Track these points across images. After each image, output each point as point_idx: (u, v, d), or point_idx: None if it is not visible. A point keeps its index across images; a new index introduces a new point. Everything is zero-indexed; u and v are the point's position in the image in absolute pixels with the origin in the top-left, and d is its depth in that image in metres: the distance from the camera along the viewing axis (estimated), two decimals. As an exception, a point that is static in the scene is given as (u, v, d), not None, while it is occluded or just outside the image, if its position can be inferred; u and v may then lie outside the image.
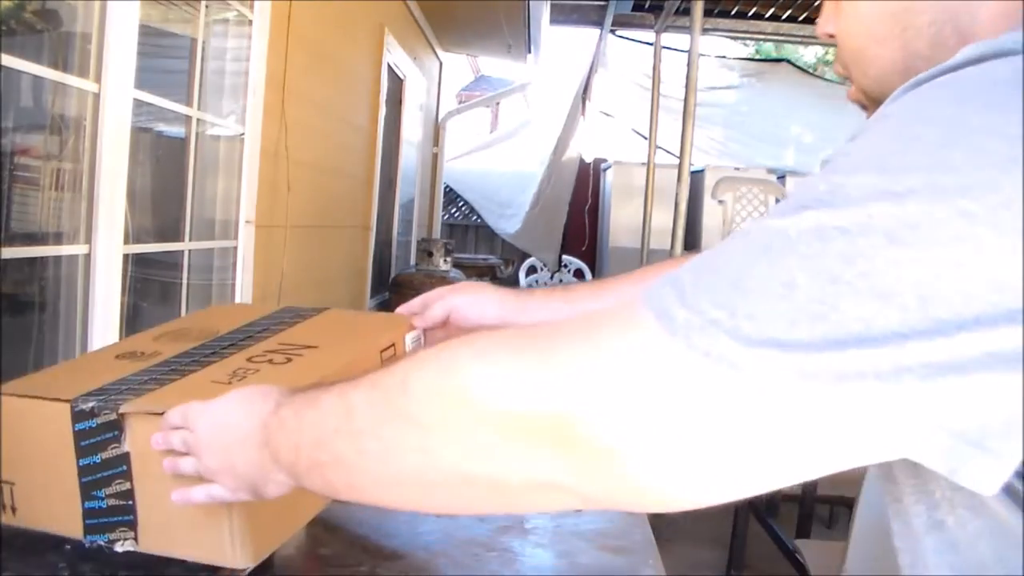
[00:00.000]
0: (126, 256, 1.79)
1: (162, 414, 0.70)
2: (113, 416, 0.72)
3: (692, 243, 6.20)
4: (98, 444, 0.73)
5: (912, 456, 0.38)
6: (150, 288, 2.08)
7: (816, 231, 0.39)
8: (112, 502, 0.73)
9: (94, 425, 0.73)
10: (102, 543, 0.74)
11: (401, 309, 1.03)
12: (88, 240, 1.66)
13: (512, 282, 7.21)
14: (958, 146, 0.37)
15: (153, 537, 0.72)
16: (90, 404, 0.73)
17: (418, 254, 4.78)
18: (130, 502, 0.72)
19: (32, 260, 1.59)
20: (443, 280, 4.38)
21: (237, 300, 2.41)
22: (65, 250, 1.64)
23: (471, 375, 0.48)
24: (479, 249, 7.83)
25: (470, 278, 4.98)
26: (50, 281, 1.63)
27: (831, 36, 0.60)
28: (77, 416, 0.74)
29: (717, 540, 3.57)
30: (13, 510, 0.79)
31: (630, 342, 0.43)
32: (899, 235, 0.37)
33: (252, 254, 2.48)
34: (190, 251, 2.20)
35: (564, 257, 6.97)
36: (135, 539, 0.72)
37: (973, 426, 0.37)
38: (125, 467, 0.72)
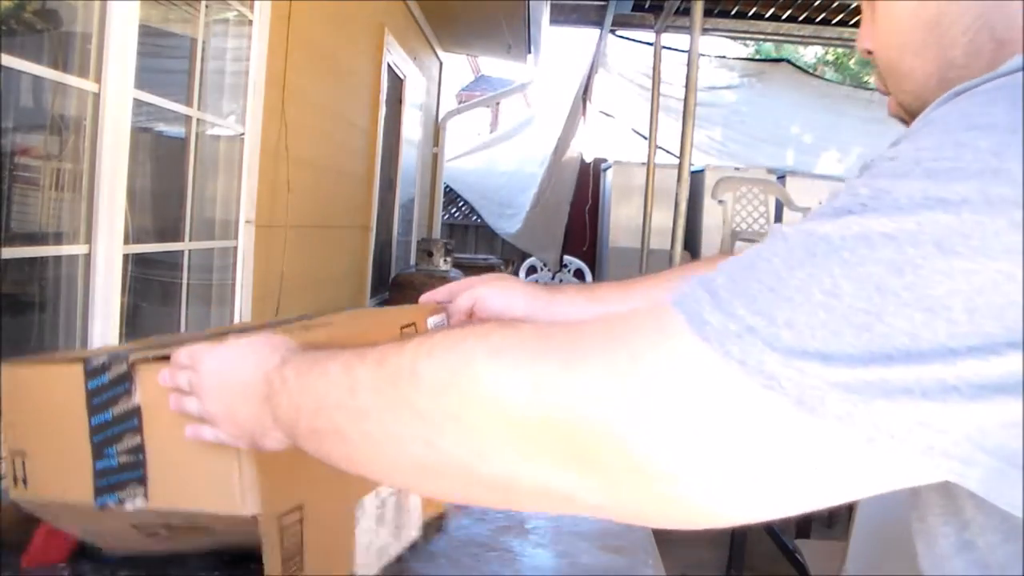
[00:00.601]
0: (126, 256, 1.79)
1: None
2: (124, 368, 0.72)
3: (692, 243, 6.20)
4: (109, 400, 0.73)
5: (952, 478, 0.37)
6: (150, 288, 2.08)
7: (861, 237, 0.37)
8: (123, 459, 0.72)
9: (105, 381, 0.73)
10: (112, 504, 0.73)
11: (426, 297, 1.01)
12: (88, 240, 1.66)
13: (512, 282, 7.21)
14: (1013, 154, 0.36)
15: (162, 491, 0.72)
16: (102, 360, 0.73)
17: (418, 254, 4.78)
18: (140, 456, 0.72)
19: (32, 260, 1.59)
20: (443, 280, 4.38)
21: (237, 300, 2.41)
22: (65, 250, 1.64)
23: (487, 376, 0.46)
24: (479, 249, 7.83)
25: (470, 278, 4.98)
26: (50, 281, 1.63)
27: (869, 53, 0.58)
28: (90, 373, 0.74)
29: (717, 540, 3.57)
30: (25, 482, 0.78)
31: (659, 348, 0.41)
32: (950, 245, 0.35)
33: (252, 254, 2.48)
34: (190, 251, 2.20)
35: (565, 257, 6.97)
36: (145, 495, 0.72)
37: (1017, 447, 0.35)
38: (136, 421, 0.72)
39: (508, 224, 6.96)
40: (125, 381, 0.72)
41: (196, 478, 0.70)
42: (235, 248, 2.41)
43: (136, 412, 0.72)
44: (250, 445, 0.66)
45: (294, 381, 0.60)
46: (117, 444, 0.73)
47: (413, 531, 0.94)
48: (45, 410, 0.77)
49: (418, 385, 0.49)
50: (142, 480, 0.72)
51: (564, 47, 8.15)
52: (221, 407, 0.65)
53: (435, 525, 1.00)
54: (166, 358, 0.70)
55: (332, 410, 0.55)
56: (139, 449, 0.72)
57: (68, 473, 0.75)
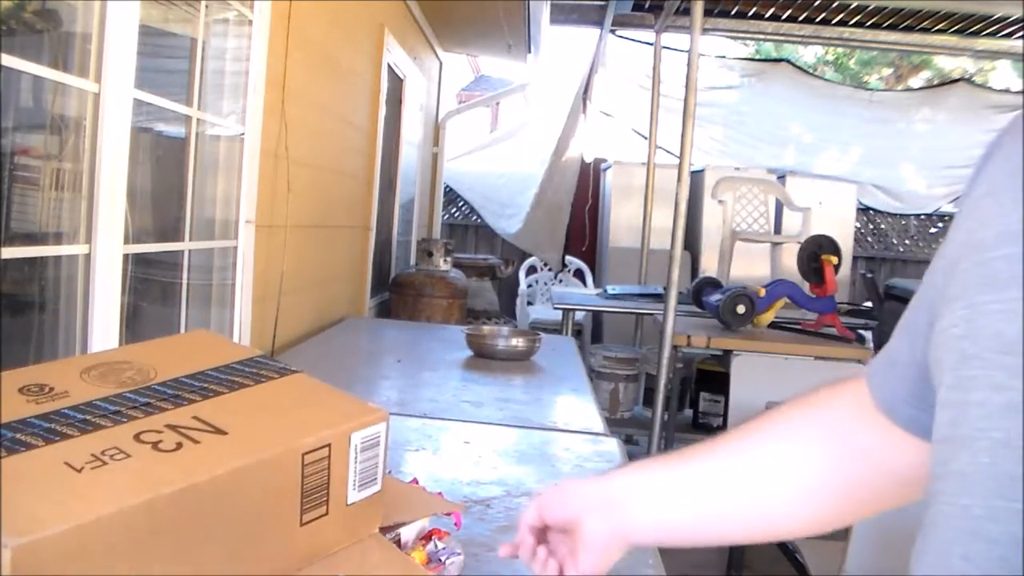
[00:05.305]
0: (126, 256, 1.79)
1: None
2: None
3: (692, 243, 6.20)
4: None
5: None
6: (150, 288, 2.08)
7: None
8: None
9: None
10: None
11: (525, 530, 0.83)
12: (88, 240, 1.66)
13: (512, 282, 7.21)
14: None
15: None
16: None
17: (418, 254, 4.78)
18: None
19: (32, 260, 1.59)
20: (443, 280, 4.37)
21: (237, 300, 2.41)
22: (65, 250, 1.64)
23: None
24: (479, 249, 7.83)
25: (470, 278, 4.98)
26: (50, 281, 1.63)
27: None
28: None
29: (717, 540, 3.55)
30: None
31: None
32: None
33: (252, 254, 2.48)
34: (190, 251, 2.20)
35: (566, 258, 6.97)
36: None
37: None
38: None
39: (508, 224, 6.96)
40: None
41: None
42: (235, 248, 2.41)
43: None
44: None
45: None
46: None
47: None
48: None
49: None
50: None
51: (564, 47, 8.13)
52: None
53: None
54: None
55: None
56: None
57: None
